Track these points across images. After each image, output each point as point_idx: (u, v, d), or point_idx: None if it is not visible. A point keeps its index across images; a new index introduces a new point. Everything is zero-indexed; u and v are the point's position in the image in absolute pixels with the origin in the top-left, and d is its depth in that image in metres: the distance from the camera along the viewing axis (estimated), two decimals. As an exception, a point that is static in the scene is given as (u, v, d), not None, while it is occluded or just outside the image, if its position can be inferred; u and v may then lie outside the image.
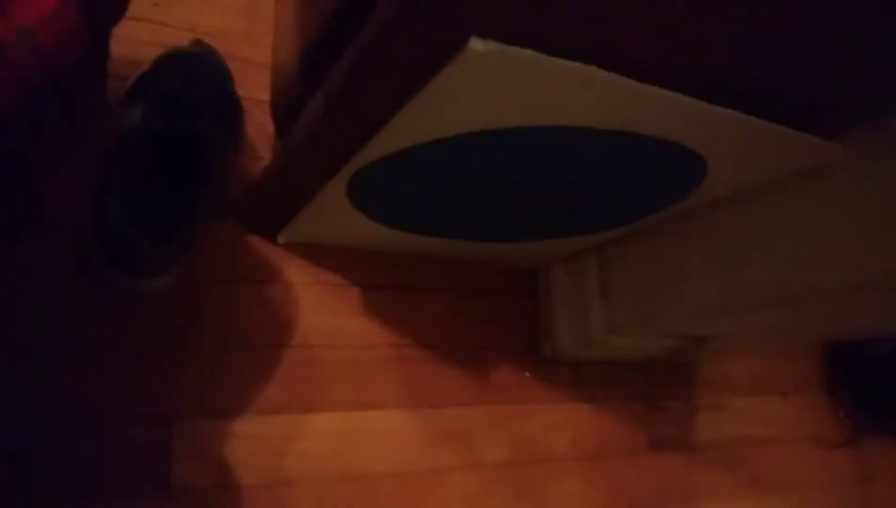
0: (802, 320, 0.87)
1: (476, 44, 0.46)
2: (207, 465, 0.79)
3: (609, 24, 0.48)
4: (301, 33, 0.73)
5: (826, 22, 0.51)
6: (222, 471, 0.80)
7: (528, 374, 1.05)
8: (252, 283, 0.86)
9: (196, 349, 0.81)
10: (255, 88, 0.90)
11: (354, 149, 0.64)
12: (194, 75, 0.79)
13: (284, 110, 0.75)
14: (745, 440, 1.24)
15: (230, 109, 0.85)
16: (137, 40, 0.85)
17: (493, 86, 0.52)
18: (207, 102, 0.78)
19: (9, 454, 0.70)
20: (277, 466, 0.83)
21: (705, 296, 0.84)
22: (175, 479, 0.77)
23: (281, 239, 0.89)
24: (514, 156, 0.67)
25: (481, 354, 1.02)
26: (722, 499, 1.18)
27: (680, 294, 0.87)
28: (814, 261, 0.73)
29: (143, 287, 0.78)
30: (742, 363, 1.28)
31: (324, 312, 0.90)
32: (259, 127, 0.90)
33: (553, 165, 0.70)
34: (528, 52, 0.48)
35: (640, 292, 0.95)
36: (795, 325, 0.92)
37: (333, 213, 0.81)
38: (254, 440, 0.82)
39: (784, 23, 0.50)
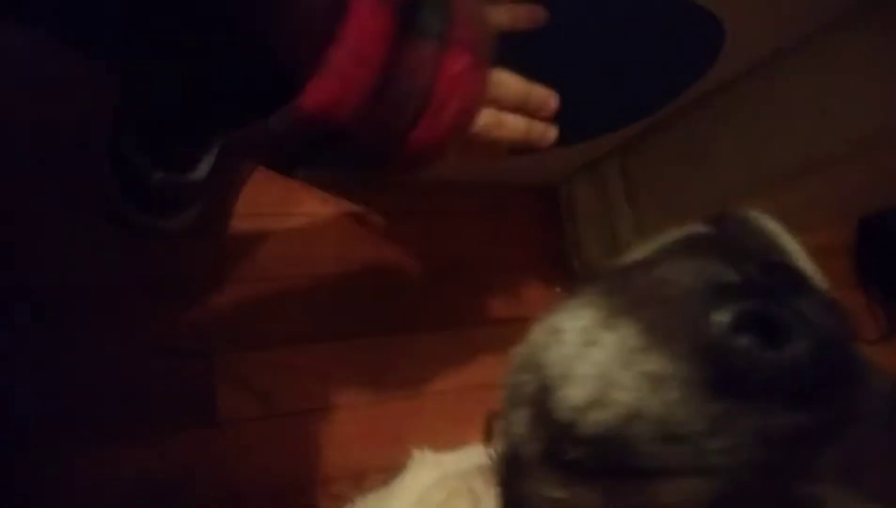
0: (820, 193, 0.85)
1: None
2: (251, 396, 0.80)
3: None
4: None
5: None
6: (267, 401, 0.80)
7: (558, 289, 1.05)
8: (276, 217, 0.86)
9: (227, 284, 0.81)
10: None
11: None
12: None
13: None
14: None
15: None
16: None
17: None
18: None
19: (49, 396, 0.70)
20: (317, 393, 0.84)
21: (735, 175, 0.83)
22: (220, 411, 0.77)
23: (300, 173, 0.89)
24: (538, 38, 0.66)
25: (511, 273, 1.01)
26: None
27: (709, 179, 0.86)
28: (837, 120, 0.71)
29: (163, 225, 0.78)
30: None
31: (351, 242, 0.90)
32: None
33: (576, 42, 0.68)
34: None
35: (669, 189, 0.93)
36: (814, 199, 0.90)
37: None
38: (295, 369, 0.83)
39: None
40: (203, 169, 0.74)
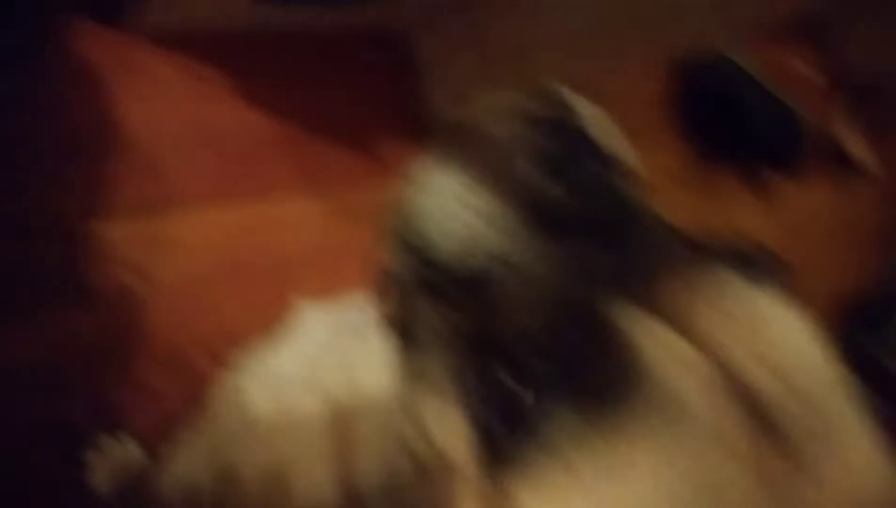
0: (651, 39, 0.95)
1: None
2: (124, 269, 0.80)
3: None
4: None
5: None
6: (140, 274, 0.81)
7: (415, 143, 1.09)
8: (123, 80, 0.82)
9: (76, 153, 0.77)
10: None
11: None
12: None
13: None
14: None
15: None
16: None
17: None
18: None
19: None
20: (192, 261, 0.85)
21: (561, 31, 0.90)
22: (91, 284, 0.77)
23: (130, 25, 0.83)
24: None
25: (368, 130, 1.04)
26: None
27: (545, 30, 0.92)
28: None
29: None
30: (602, 111, 1.38)
31: (200, 103, 0.88)
32: None
33: None
34: None
35: (509, 38, 0.99)
36: (644, 46, 1.00)
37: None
38: (163, 240, 0.83)
39: None
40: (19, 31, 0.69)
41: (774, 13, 0.94)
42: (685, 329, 0.28)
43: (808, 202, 1.81)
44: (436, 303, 0.29)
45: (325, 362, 0.46)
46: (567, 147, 0.29)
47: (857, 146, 1.85)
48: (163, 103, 0.85)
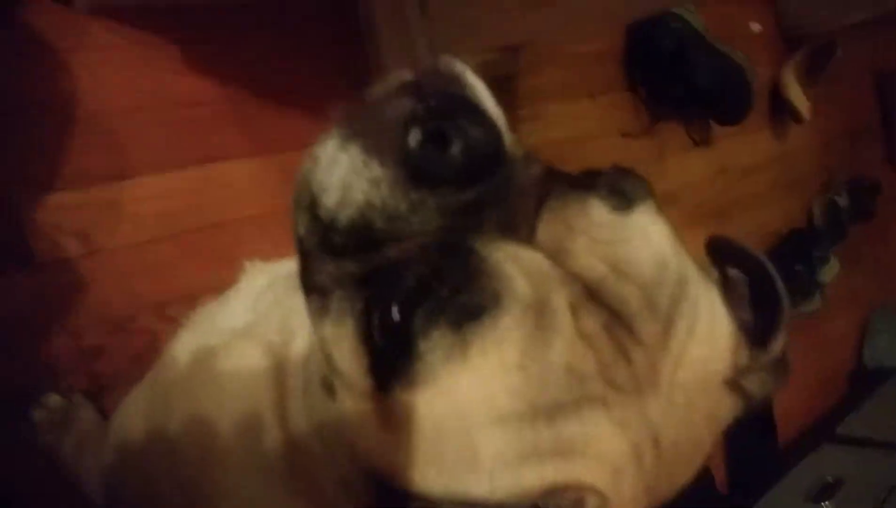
0: (596, 3, 0.96)
1: None
2: (67, 236, 0.80)
3: None
4: None
5: None
6: (84, 240, 0.81)
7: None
8: (61, 51, 0.81)
9: (19, 125, 0.77)
10: None
11: None
12: None
13: None
14: (562, 140, 1.41)
15: None
16: None
17: None
18: None
19: None
20: (138, 227, 0.86)
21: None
22: (38, 254, 0.78)
23: (79, 3, 0.83)
24: None
25: (317, 95, 1.04)
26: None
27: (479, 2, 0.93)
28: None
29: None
30: (554, 72, 1.40)
31: (145, 72, 0.88)
32: None
33: None
34: None
35: (449, 7, 0.99)
36: (593, 10, 1.01)
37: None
38: (108, 207, 0.83)
39: None
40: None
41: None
42: (557, 257, 0.32)
43: (747, 150, 1.87)
44: (332, 257, 0.33)
45: (267, 314, 0.50)
46: (445, 111, 0.32)
47: (798, 97, 1.90)
48: (111, 74, 0.84)
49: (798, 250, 1.88)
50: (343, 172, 0.32)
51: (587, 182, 0.35)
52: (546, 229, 0.33)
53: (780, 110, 1.94)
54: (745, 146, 1.87)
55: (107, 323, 0.82)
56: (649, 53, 1.55)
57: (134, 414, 0.58)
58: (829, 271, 1.92)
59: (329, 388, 0.36)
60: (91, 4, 0.82)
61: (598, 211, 0.33)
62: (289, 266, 0.54)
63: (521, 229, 0.33)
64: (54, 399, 0.77)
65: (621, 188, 0.35)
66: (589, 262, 0.32)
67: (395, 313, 0.31)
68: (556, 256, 0.32)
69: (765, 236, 1.93)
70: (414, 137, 0.31)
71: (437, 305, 0.31)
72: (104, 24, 0.84)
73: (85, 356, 0.80)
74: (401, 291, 0.31)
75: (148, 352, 0.85)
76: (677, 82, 1.57)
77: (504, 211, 0.33)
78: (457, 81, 0.35)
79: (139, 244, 0.85)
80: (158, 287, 0.86)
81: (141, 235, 0.85)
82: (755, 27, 1.89)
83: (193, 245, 0.89)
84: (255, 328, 0.49)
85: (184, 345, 0.54)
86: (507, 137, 0.34)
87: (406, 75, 0.35)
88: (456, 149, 0.31)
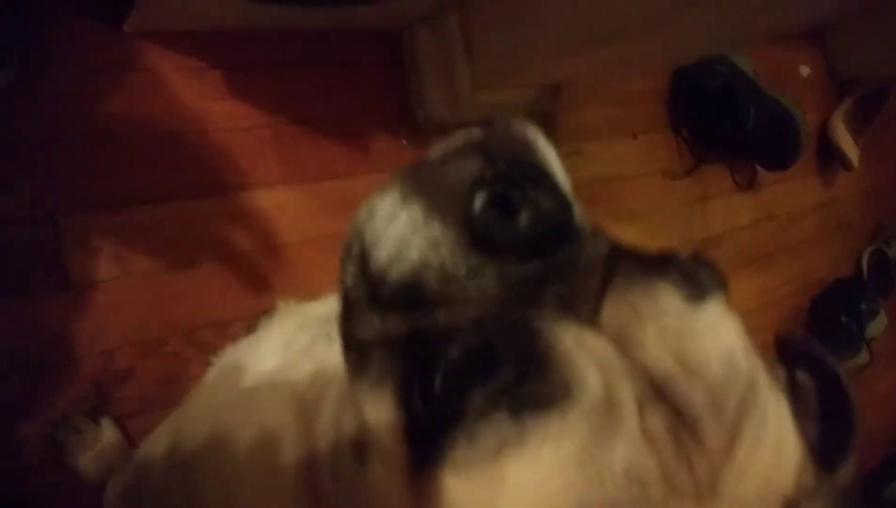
0: (645, 48, 0.95)
1: None
2: (104, 259, 0.81)
3: None
4: None
5: None
6: (121, 263, 0.82)
7: (404, 141, 1.10)
8: (109, 73, 0.82)
9: (64, 146, 0.78)
10: None
11: None
12: None
13: None
14: (602, 178, 1.39)
15: None
16: None
17: None
18: None
19: None
20: (175, 252, 0.86)
21: (558, 35, 0.90)
22: (74, 275, 0.78)
23: (128, 27, 0.84)
24: None
25: (357, 126, 1.05)
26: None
27: (536, 36, 0.92)
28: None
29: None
30: (596, 109, 1.39)
31: (190, 97, 0.89)
32: None
33: None
34: None
35: (501, 41, 0.99)
36: (639, 55, 1.00)
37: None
38: (146, 230, 0.84)
39: None
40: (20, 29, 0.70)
41: (785, 25, 0.94)
42: (622, 344, 0.30)
43: (792, 195, 1.83)
44: (378, 311, 0.32)
45: (298, 362, 0.48)
46: (514, 179, 0.30)
47: (847, 144, 1.86)
48: (154, 98, 0.85)
49: (844, 301, 1.81)
50: (401, 228, 0.31)
51: (659, 265, 0.33)
52: (611, 311, 0.31)
53: (828, 156, 1.89)
54: (791, 192, 1.83)
55: (138, 346, 0.82)
56: (696, 94, 1.53)
57: (158, 445, 0.57)
58: (878, 325, 1.85)
59: (360, 453, 0.34)
60: (140, 27, 0.84)
61: (668, 299, 0.31)
62: (322, 309, 0.53)
63: (583, 308, 0.31)
64: (82, 421, 0.77)
65: (695, 277, 0.32)
66: (656, 354, 0.30)
67: (438, 383, 0.29)
68: (622, 342, 0.30)
69: (810, 284, 1.87)
70: (480, 201, 0.29)
71: (496, 386, 0.29)
72: (150, 48, 0.86)
73: (115, 378, 0.80)
74: (448, 361, 0.29)
75: (177, 377, 0.85)
76: (724, 124, 1.54)
77: (567, 287, 0.31)
78: (528, 146, 0.34)
79: (175, 268, 0.85)
80: (190, 313, 0.86)
81: (177, 259, 0.86)
82: (804, 71, 1.86)
83: (227, 271, 0.89)
84: (284, 374, 0.48)
85: (213, 384, 0.53)
86: (577, 210, 0.32)
87: (475, 134, 0.34)
88: (524, 218, 0.29)
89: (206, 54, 0.90)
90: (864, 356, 1.80)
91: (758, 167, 1.66)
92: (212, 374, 0.56)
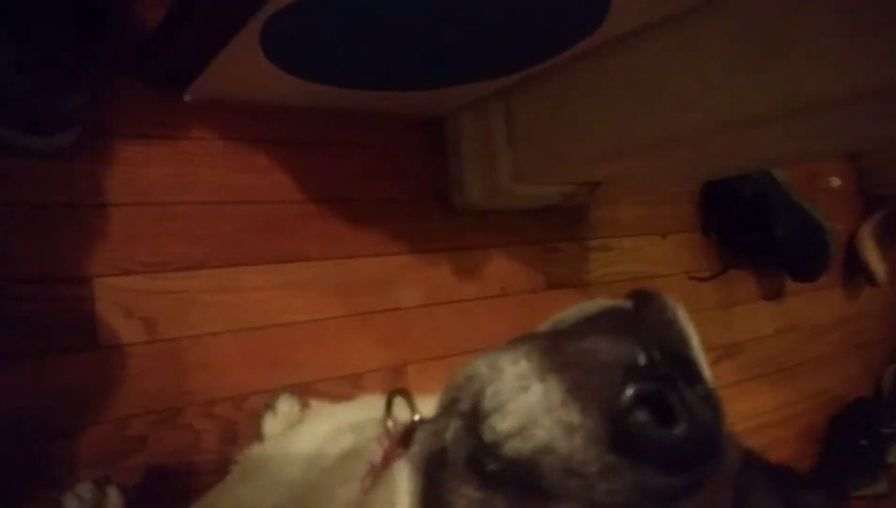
0: (684, 160, 0.95)
1: None
2: (134, 321, 0.80)
3: None
4: None
5: None
6: (149, 327, 0.81)
7: (439, 224, 1.10)
8: (160, 139, 0.84)
9: (109, 208, 0.79)
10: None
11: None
12: None
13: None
14: (630, 276, 1.38)
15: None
16: None
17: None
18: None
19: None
20: (203, 319, 0.85)
21: (601, 138, 0.91)
22: (102, 336, 0.78)
23: (188, 96, 0.86)
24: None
25: (393, 207, 1.05)
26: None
27: (579, 136, 0.93)
28: (692, 102, 0.80)
29: (43, 145, 0.74)
30: (628, 207, 1.40)
31: (235, 168, 0.90)
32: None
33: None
34: None
35: (545, 139, 1.00)
36: (678, 165, 1.01)
37: (245, 65, 0.78)
38: (178, 296, 0.83)
39: None
40: (84, 92, 0.71)
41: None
42: None
43: (816, 308, 1.81)
44: (479, 481, 0.29)
45: (330, 484, 0.46)
46: (671, 374, 0.27)
47: (875, 260, 1.85)
48: (200, 167, 0.86)
49: (864, 423, 1.77)
50: (532, 402, 0.28)
51: (791, 482, 0.31)
52: None
53: (855, 270, 1.88)
54: (817, 304, 1.81)
55: (153, 415, 0.80)
56: (728, 200, 1.53)
57: None
58: (897, 451, 1.80)
59: None
60: (199, 97, 0.85)
61: None
62: (358, 414, 0.51)
63: None
64: (88, 489, 0.74)
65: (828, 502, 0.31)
66: None
67: None
68: None
69: (828, 401, 1.83)
70: (631, 396, 0.26)
71: None
72: (203, 117, 0.87)
73: (126, 445, 0.78)
74: None
75: (188, 450, 0.83)
76: (754, 232, 1.54)
77: (700, 501, 0.28)
78: (682, 334, 0.31)
79: (200, 337, 0.85)
80: (210, 384, 0.84)
81: (204, 327, 0.85)
82: (835, 182, 1.87)
83: (252, 344, 0.88)
84: (305, 483, 0.45)
85: (236, 492, 0.51)
86: (724, 417, 0.29)
87: (623, 307, 0.31)
88: (680, 429, 0.26)
89: (256, 128, 0.91)
90: (882, 486, 1.74)
91: (785, 276, 1.65)
92: (233, 484, 0.54)
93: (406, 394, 0.40)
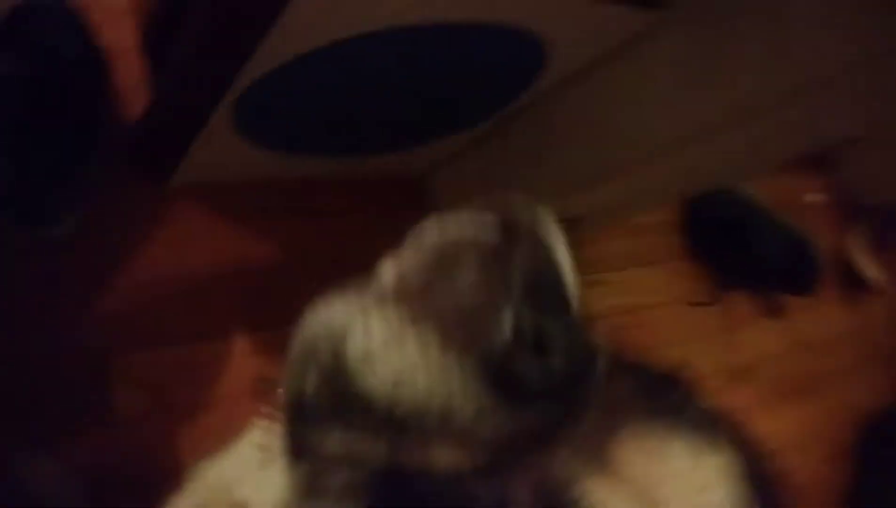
0: (654, 180, 1.00)
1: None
2: (147, 394, 0.83)
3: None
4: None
5: None
6: (162, 398, 0.84)
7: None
8: (153, 224, 0.89)
9: (113, 290, 0.83)
10: (114, 36, 0.90)
11: (236, 66, 0.68)
12: (57, 24, 0.79)
13: (158, 41, 0.78)
14: (626, 309, 1.40)
15: (96, 55, 0.85)
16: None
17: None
18: (75, 49, 0.79)
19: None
20: (215, 387, 0.88)
21: (569, 173, 0.96)
22: (116, 410, 0.80)
23: (174, 182, 0.92)
24: (380, 60, 0.74)
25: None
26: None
27: (552, 173, 0.98)
28: (647, 124, 0.85)
29: (42, 234, 0.79)
30: (617, 241, 1.43)
31: (227, 240, 0.95)
32: (127, 72, 0.91)
33: (415, 65, 0.77)
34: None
35: (518, 180, 1.05)
36: (647, 188, 1.05)
37: (222, 146, 0.84)
38: (189, 367, 0.87)
39: None
40: (78, 202, 0.77)
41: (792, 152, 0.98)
42: (640, 500, 0.29)
43: (823, 322, 1.80)
44: (349, 427, 0.28)
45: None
46: (546, 308, 0.27)
47: (869, 267, 1.86)
48: (193, 245, 0.92)
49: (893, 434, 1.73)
50: (407, 351, 0.27)
51: (671, 405, 0.31)
52: (631, 460, 0.29)
53: (853, 281, 1.89)
54: (821, 318, 1.81)
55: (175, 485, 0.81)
56: (709, 225, 1.57)
57: None
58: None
59: None
60: (184, 182, 0.91)
61: (681, 459, 0.30)
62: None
63: (593, 447, 0.29)
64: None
65: (707, 428, 0.31)
66: (657, 496, 0.29)
67: None
68: (641, 499, 0.29)
69: (853, 415, 1.79)
70: (508, 338, 0.26)
71: None
72: (189, 199, 0.93)
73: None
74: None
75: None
76: (740, 253, 1.57)
77: (580, 422, 0.28)
78: (548, 259, 0.31)
79: (212, 404, 0.87)
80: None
81: (215, 394, 0.88)
82: (811, 197, 1.90)
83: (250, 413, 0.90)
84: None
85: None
86: (602, 341, 0.30)
87: (490, 227, 0.31)
88: (558, 361, 0.26)
89: (244, 204, 0.97)
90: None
91: (777, 292, 1.66)
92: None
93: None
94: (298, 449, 0.30)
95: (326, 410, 0.29)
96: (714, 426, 0.31)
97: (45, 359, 0.78)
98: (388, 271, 0.34)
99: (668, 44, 0.83)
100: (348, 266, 1.06)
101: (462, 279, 0.29)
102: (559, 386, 0.27)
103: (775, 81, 0.75)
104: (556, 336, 0.27)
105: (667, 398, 0.30)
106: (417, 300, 0.29)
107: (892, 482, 1.68)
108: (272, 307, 0.96)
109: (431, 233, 0.34)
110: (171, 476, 0.82)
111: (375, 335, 0.29)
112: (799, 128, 0.86)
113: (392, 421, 0.27)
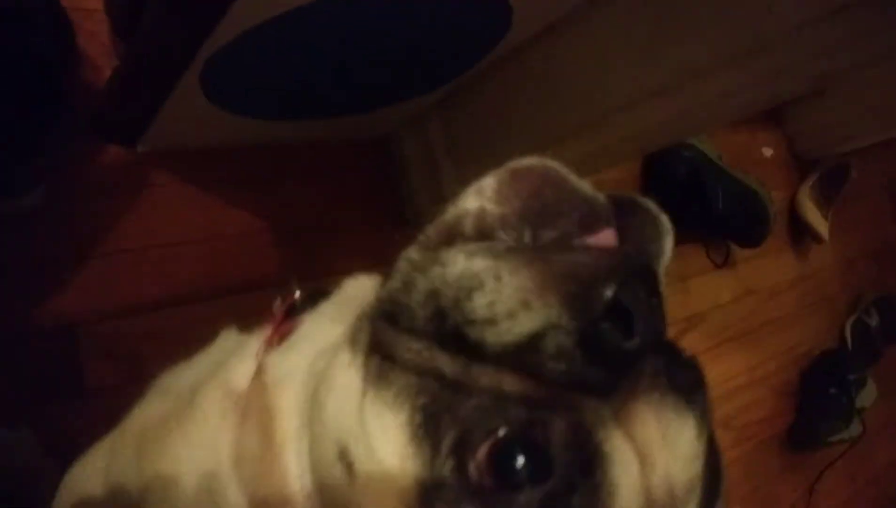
0: (612, 138, 1.03)
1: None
2: (118, 364, 0.84)
3: None
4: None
5: None
6: (134, 367, 0.86)
7: (397, 237, 1.16)
8: (122, 191, 0.89)
9: (83, 259, 0.84)
10: (79, 1, 0.89)
11: (203, 32, 0.68)
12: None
13: (124, 8, 0.77)
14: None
15: (60, 20, 0.84)
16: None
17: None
18: (38, 16, 0.78)
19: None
20: (187, 354, 0.90)
21: (531, 132, 0.99)
22: (88, 381, 0.82)
23: (141, 147, 0.92)
24: (345, 23, 0.75)
25: (353, 228, 1.11)
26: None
27: (512, 135, 1.01)
28: (603, 85, 0.88)
29: (10, 207, 0.80)
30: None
31: (194, 208, 0.95)
32: (91, 37, 0.90)
33: (380, 25, 0.79)
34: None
35: (479, 143, 1.07)
36: (605, 147, 1.09)
37: (190, 111, 0.85)
38: (159, 335, 0.88)
39: None
40: (45, 156, 0.77)
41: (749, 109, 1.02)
42: (642, 460, 0.31)
43: (771, 271, 1.89)
44: (433, 343, 0.31)
45: (235, 365, 0.45)
46: (646, 299, 0.30)
47: (815, 218, 1.94)
48: (162, 212, 0.92)
49: (832, 374, 1.85)
50: (518, 290, 0.30)
51: (688, 384, 0.32)
52: (642, 422, 0.31)
53: (800, 232, 1.98)
54: (769, 268, 1.90)
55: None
56: (665, 181, 1.62)
57: (92, 474, 0.50)
58: (867, 395, 1.88)
59: (348, 464, 0.32)
60: (151, 147, 0.91)
61: (687, 436, 0.31)
62: (258, 343, 0.48)
63: (618, 406, 0.31)
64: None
65: (700, 405, 0.33)
66: (658, 482, 0.31)
67: (482, 460, 0.28)
68: (642, 459, 0.31)
69: (796, 357, 1.91)
70: (606, 303, 0.28)
71: (546, 490, 0.28)
72: (158, 165, 0.93)
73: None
74: (499, 441, 0.29)
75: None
76: (693, 206, 1.63)
77: (613, 384, 0.31)
78: (660, 246, 0.34)
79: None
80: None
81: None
82: (767, 152, 1.97)
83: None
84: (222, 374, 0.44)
85: (150, 403, 0.50)
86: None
87: (607, 208, 0.33)
88: (637, 342, 0.29)
89: (213, 169, 0.98)
90: (856, 427, 1.82)
91: (732, 245, 1.74)
92: (148, 398, 0.52)
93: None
94: (377, 345, 0.33)
95: (420, 322, 0.32)
96: (707, 406, 0.34)
97: (14, 330, 0.78)
98: (472, 201, 0.36)
99: (622, 7, 0.86)
100: (315, 230, 1.09)
101: (580, 241, 0.32)
102: (624, 366, 0.30)
103: (723, 44, 0.79)
104: (641, 323, 0.29)
105: (684, 378, 0.33)
106: (534, 250, 0.31)
107: (827, 413, 1.80)
108: (242, 271, 0.98)
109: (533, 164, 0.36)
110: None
111: (489, 269, 0.31)
112: (750, 87, 0.90)
113: (478, 346, 0.30)
